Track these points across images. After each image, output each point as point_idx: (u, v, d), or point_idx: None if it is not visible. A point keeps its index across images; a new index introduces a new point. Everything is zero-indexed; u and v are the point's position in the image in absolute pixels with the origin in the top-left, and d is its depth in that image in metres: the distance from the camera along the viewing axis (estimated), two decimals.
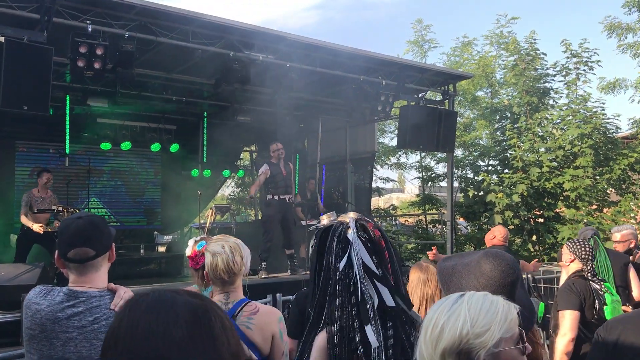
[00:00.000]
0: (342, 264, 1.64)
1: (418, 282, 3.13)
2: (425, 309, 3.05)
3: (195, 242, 3.19)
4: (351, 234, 1.69)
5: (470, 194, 13.86)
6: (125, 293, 2.10)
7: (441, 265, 1.83)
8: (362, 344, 1.59)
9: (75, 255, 2.06)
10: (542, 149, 13.40)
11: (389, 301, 1.64)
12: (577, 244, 4.15)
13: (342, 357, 1.62)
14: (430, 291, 3.09)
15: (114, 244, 2.21)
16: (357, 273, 1.63)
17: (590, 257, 4.06)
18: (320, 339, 1.73)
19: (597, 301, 3.88)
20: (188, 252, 3.18)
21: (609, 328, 1.98)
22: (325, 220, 1.84)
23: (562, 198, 12.88)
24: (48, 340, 1.92)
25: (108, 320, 1.96)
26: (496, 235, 6.23)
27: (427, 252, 6.29)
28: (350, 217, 1.74)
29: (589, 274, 3.99)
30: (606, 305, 3.84)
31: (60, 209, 8.34)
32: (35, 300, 2.01)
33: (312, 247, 1.79)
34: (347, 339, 1.62)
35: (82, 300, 2.00)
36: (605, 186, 12.73)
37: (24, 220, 8.23)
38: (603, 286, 3.95)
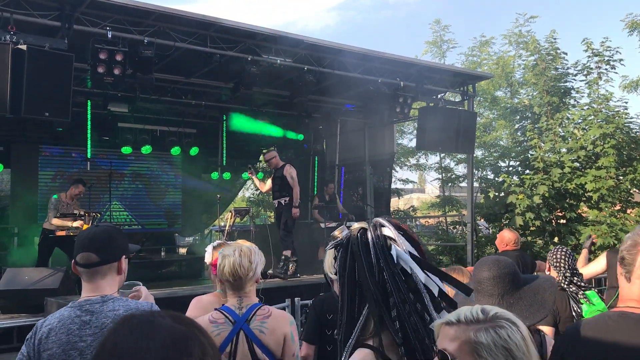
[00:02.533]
0: (394, 256, 1.64)
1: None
2: None
3: (215, 248, 3.19)
4: (388, 231, 1.68)
5: (491, 195, 13.73)
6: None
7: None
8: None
9: (80, 259, 2.13)
10: (564, 150, 13.22)
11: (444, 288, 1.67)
12: (552, 252, 4.05)
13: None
14: None
15: (125, 258, 2.23)
16: (411, 266, 1.63)
17: (562, 265, 3.90)
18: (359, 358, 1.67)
19: (573, 313, 3.72)
20: (208, 259, 3.19)
21: (562, 337, 2.08)
22: (338, 234, 1.84)
23: (585, 199, 12.70)
24: (65, 353, 1.97)
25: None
26: (508, 243, 6.17)
27: None
28: (377, 219, 1.74)
29: (565, 283, 3.83)
30: (582, 317, 3.62)
31: (82, 212, 8.47)
32: (47, 323, 2.06)
33: (335, 257, 1.77)
34: (419, 336, 1.57)
35: (86, 308, 2.06)
36: (629, 186, 12.51)
37: (57, 222, 8.33)
38: (583, 295, 3.77)
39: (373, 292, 1.63)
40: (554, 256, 3.99)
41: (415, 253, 1.68)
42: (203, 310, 2.85)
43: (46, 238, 8.46)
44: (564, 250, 4.04)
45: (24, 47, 6.41)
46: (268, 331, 2.58)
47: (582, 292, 3.82)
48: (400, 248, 1.65)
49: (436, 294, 1.63)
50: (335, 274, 1.80)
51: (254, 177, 10.15)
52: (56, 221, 8.33)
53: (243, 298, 2.65)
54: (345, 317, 1.71)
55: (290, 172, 8.93)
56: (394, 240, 1.67)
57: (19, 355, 2.06)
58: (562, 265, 3.91)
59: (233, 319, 2.57)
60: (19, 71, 6.34)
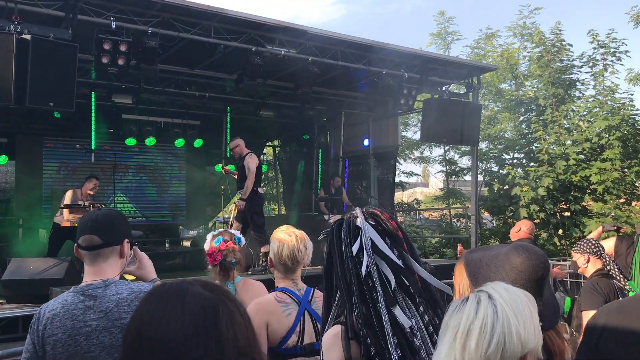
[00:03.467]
0: (355, 248, 1.69)
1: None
2: None
3: (214, 236, 3.19)
4: (360, 221, 1.73)
5: (495, 188, 13.72)
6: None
7: (468, 257, 1.80)
8: (396, 329, 1.61)
9: (83, 241, 2.11)
10: (569, 142, 13.20)
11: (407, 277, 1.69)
12: (582, 243, 4.10)
13: (372, 344, 1.63)
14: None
15: (127, 241, 2.20)
16: (366, 254, 1.67)
17: (601, 250, 3.97)
18: (331, 334, 1.76)
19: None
20: (206, 247, 3.19)
21: (595, 319, 1.95)
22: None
23: (589, 191, 12.68)
24: (72, 339, 1.96)
25: (118, 307, 2.00)
26: (522, 228, 6.13)
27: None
28: (356, 209, 1.80)
29: (612, 271, 3.86)
30: None
31: (87, 204, 8.47)
32: (50, 308, 2.05)
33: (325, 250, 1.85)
34: (373, 325, 1.62)
35: (89, 293, 2.04)
36: (634, 179, 12.49)
37: (71, 217, 8.33)
38: (627, 285, 3.82)
39: (339, 281, 1.71)
40: (593, 246, 4.03)
41: (382, 244, 1.69)
42: None
43: (57, 231, 8.46)
44: (591, 240, 4.14)
45: (28, 37, 6.39)
46: None
47: (626, 281, 3.89)
48: (365, 239, 1.69)
49: (392, 288, 1.66)
50: None
51: (231, 171, 9.62)
52: (69, 215, 8.34)
53: (296, 281, 2.75)
54: (325, 302, 1.82)
55: (249, 161, 8.24)
56: (361, 229, 1.72)
57: (25, 347, 2.04)
58: (600, 251, 3.97)
59: (297, 300, 2.67)
60: (24, 61, 6.33)
